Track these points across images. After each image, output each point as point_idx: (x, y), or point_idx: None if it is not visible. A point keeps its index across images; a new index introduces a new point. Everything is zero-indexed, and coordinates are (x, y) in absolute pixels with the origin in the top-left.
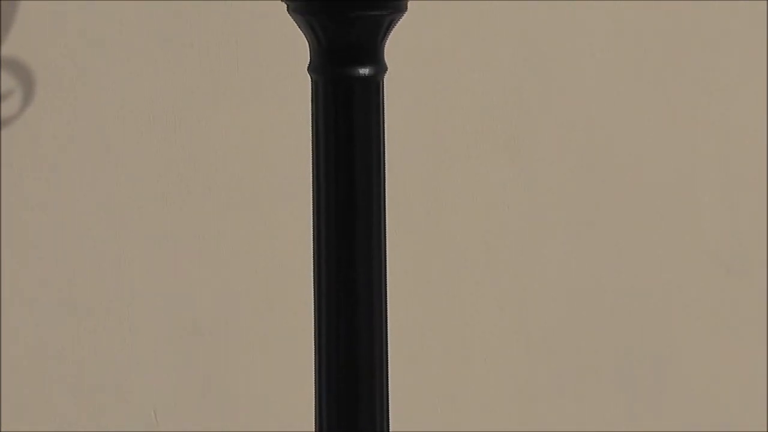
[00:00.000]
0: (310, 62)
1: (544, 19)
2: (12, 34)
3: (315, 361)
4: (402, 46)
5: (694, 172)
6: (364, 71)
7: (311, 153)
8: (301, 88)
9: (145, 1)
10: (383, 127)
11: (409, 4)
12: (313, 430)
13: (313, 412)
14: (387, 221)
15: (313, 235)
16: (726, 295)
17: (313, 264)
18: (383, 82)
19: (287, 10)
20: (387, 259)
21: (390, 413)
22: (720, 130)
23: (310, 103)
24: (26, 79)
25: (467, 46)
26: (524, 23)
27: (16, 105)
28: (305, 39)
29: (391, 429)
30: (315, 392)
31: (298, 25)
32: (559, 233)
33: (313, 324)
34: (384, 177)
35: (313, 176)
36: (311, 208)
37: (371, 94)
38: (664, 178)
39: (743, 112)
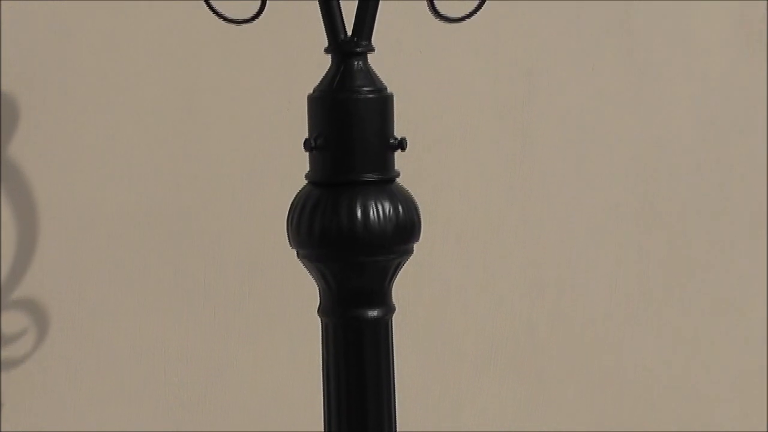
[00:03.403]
0: (320, 305)
1: (546, 245)
2: (29, 273)
3: None
4: (410, 283)
5: (708, 384)
6: (373, 313)
7: (322, 392)
8: (312, 329)
9: (155, 240)
10: (392, 362)
11: (415, 246)
12: None
13: None
14: None
15: None
16: None
17: None
18: (391, 322)
19: (297, 256)
20: None
21: None
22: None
23: (320, 344)
24: (40, 319)
25: (473, 277)
26: (528, 253)
27: (29, 343)
28: (315, 283)
29: None
30: None
31: (308, 270)
32: None
33: None
34: (395, 410)
35: (324, 414)
36: None
37: (380, 335)
38: (674, 387)
39: (754, 326)
